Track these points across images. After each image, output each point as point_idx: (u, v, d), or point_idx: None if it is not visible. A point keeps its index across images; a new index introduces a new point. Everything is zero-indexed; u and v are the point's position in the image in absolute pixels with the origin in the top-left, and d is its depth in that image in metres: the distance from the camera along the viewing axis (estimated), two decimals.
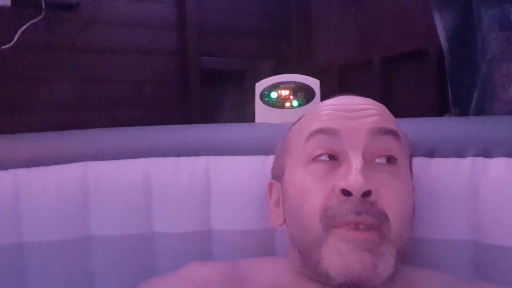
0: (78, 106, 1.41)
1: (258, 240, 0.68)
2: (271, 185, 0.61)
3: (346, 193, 0.46)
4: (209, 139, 0.75)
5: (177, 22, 1.58)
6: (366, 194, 0.46)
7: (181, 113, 1.57)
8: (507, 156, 0.57)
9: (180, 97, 1.59)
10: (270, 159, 0.67)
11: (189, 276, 0.58)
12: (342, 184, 0.46)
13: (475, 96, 0.94)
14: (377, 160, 0.50)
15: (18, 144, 0.75)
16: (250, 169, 0.71)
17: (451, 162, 0.60)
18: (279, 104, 0.96)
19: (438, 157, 0.61)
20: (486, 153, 0.58)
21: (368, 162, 0.49)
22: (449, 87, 0.97)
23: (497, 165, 0.57)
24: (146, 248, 0.70)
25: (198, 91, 1.59)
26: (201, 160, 0.72)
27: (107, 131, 0.82)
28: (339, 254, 0.46)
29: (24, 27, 1.28)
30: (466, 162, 0.59)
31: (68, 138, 0.78)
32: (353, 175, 0.46)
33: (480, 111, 0.92)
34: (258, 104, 0.98)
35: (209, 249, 0.70)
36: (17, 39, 1.27)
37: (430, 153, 0.62)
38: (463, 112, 0.97)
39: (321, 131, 0.51)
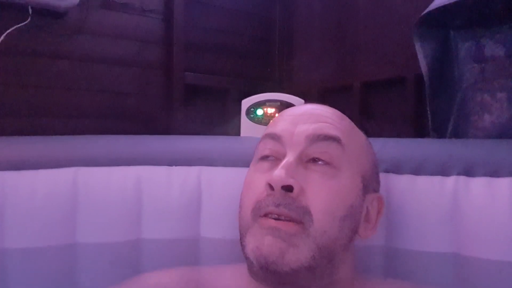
0: (59, 113, 1.38)
1: None
2: None
3: (271, 187, 0.50)
4: (202, 150, 0.76)
5: (164, 36, 1.59)
6: (287, 188, 0.49)
7: (163, 127, 1.57)
8: (487, 175, 0.61)
9: (162, 111, 1.59)
10: None
11: (145, 283, 0.58)
12: (268, 179, 0.50)
13: (451, 122, 0.99)
14: (312, 162, 0.53)
15: (6, 146, 0.74)
16: (242, 181, 0.72)
17: (436, 180, 0.64)
18: (264, 121, 0.99)
19: (424, 175, 0.65)
20: (469, 173, 0.63)
21: (304, 163, 0.53)
22: (428, 113, 1.02)
23: (479, 184, 0.61)
24: (133, 254, 0.70)
25: (180, 105, 1.60)
26: (194, 170, 0.73)
27: (100, 138, 0.82)
28: (255, 239, 0.50)
29: (8, 31, 1.26)
30: (450, 181, 0.63)
31: (59, 142, 0.78)
32: (277, 170, 0.50)
33: (456, 136, 0.98)
34: (244, 120, 1.00)
35: (197, 256, 0.70)
36: (1, 42, 1.25)
37: (416, 171, 0.65)
38: (441, 136, 1.02)
39: (269, 135, 0.56)
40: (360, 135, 0.59)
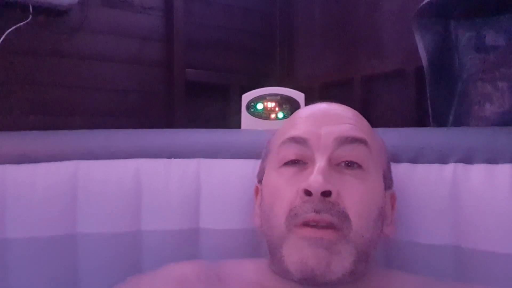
0: (60, 111, 1.39)
1: (244, 239, 0.69)
2: (257, 188, 0.63)
3: (307, 193, 0.48)
4: (201, 142, 0.76)
5: (165, 34, 1.60)
6: (326, 194, 0.48)
7: (164, 124, 1.58)
8: (486, 162, 0.61)
9: (164, 108, 1.60)
10: (259, 163, 0.69)
11: (167, 274, 0.58)
12: (304, 185, 0.49)
13: (452, 112, 0.99)
14: (343, 165, 0.52)
15: (7, 140, 0.74)
16: (241, 172, 0.72)
17: (434, 168, 0.63)
18: (264, 115, 0.99)
19: (422, 163, 0.64)
20: (467, 160, 0.62)
21: (334, 166, 0.51)
22: (429, 104, 1.01)
23: (477, 170, 0.61)
24: (133, 246, 0.70)
25: (182, 102, 1.60)
26: (193, 163, 0.73)
27: (99, 132, 0.82)
28: (297, 251, 0.48)
29: (9, 30, 1.27)
30: (449, 168, 0.63)
31: (59, 136, 0.78)
32: (313, 176, 0.48)
33: (457, 126, 0.97)
34: (244, 114, 1.00)
35: (196, 246, 0.70)
36: (2, 41, 1.26)
37: (415, 160, 0.65)
38: (442, 127, 1.02)
39: (293, 139, 0.54)
40: (375, 133, 0.59)
